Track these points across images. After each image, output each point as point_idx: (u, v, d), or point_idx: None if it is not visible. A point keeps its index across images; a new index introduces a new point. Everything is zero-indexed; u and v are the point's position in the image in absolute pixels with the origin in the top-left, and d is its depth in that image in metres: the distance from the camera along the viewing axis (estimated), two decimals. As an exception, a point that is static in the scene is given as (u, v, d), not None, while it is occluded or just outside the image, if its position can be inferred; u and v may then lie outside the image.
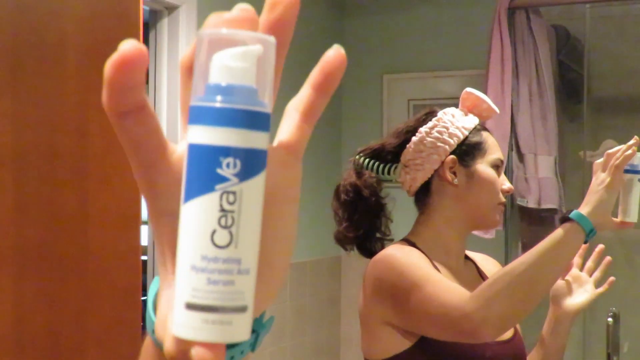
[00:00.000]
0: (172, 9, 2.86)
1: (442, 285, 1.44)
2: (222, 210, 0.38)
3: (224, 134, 0.38)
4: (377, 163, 1.66)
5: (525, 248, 3.52)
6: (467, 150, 1.61)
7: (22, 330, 1.29)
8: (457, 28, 3.85)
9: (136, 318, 1.52)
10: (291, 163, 0.45)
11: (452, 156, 1.60)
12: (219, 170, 0.38)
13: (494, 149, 1.63)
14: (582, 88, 3.46)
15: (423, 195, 1.66)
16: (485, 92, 3.24)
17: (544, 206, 3.26)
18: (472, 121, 1.62)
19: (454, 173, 1.60)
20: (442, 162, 1.60)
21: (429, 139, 1.60)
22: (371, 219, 1.65)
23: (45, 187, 1.34)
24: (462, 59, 3.80)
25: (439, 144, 1.60)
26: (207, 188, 0.38)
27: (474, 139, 1.61)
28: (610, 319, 2.17)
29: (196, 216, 0.38)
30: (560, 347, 1.66)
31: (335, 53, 0.43)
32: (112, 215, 1.47)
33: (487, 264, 1.76)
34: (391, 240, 1.66)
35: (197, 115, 0.38)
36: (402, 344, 1.51)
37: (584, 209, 1.42)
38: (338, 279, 3.97)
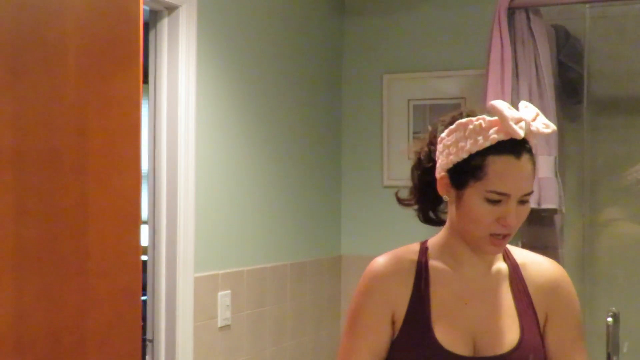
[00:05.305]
0: (172, 9, 2.86)
1: (346, 353, 1.59)
2: None
3: None
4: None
5: (525, 248, 3.54)
6: (461, 173, 1.50)
7: (22, 330, 1.29)
8: (457, 28, 3.85)
9: (136, 318, 1.52)
10: None
11: (444, 173, 1.54)
12: None
13: (498, 180, 1.46)
14: (582, 88, 3.46)
15: None
16: (485, 92, 3.24)
17: (544, 206, 3.26)
18: (482, 144, 1.46)
19: (448, 188, 1.54)
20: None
21: (439, 146, 1.56)
22: (433, 190, 1.59)
23: (45, 187, 1.34)
24: (462, 59, 3.80)
25: (442, 157, 1.54)
26: None
27: (473, 163, 1.48)
28: (610, 319, 2.17)
29: None
30: None
31: None
32: (111, 215, 1.47)
33: (536, 270, 1.64)
34: (445, 214, 1.63)
35: None
36: None
37: None
38: (338, 279, 3.97)
